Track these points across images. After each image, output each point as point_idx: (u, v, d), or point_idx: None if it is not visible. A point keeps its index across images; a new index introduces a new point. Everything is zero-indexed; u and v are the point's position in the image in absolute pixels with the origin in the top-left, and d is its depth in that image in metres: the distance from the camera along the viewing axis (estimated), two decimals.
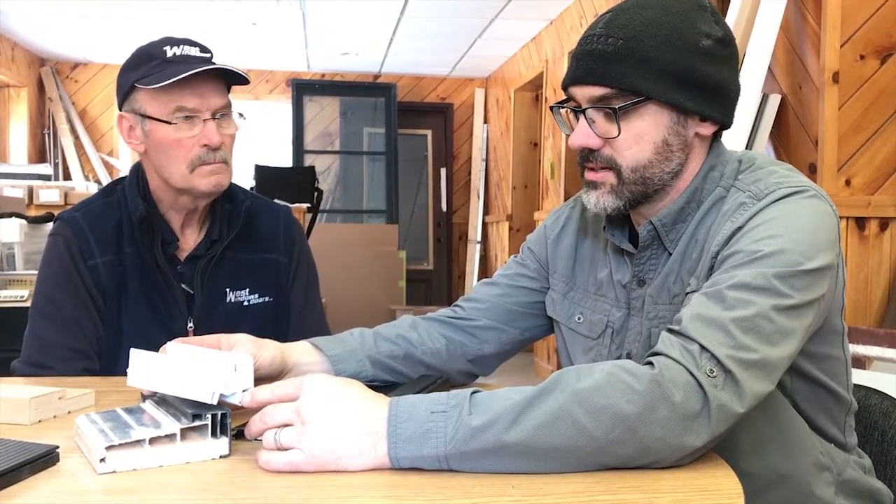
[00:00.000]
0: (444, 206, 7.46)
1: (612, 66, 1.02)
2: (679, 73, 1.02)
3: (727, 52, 1.05)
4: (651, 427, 0.83)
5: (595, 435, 0.82)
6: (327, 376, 0.92)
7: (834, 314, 1.05)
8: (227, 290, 1.52)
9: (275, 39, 5.98)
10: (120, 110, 1.49)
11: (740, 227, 0.97)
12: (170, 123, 1.41)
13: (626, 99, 1.02)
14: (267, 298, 1.56)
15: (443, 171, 7.45)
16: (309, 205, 4.84)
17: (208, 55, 1.45)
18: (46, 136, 6.69)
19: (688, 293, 1.01)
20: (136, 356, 0.95)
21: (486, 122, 7.26)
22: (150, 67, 1.41)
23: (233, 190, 1.55)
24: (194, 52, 1.43)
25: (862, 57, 2.63)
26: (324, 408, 0.84)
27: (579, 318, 1.20)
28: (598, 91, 1.03)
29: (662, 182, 1.07)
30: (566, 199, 4.92)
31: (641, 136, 1.04)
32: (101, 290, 1.46)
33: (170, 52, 1.41)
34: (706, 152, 1.10)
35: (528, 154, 6.30)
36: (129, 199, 1.49)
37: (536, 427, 0.82)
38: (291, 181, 5.26)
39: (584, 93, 1.05)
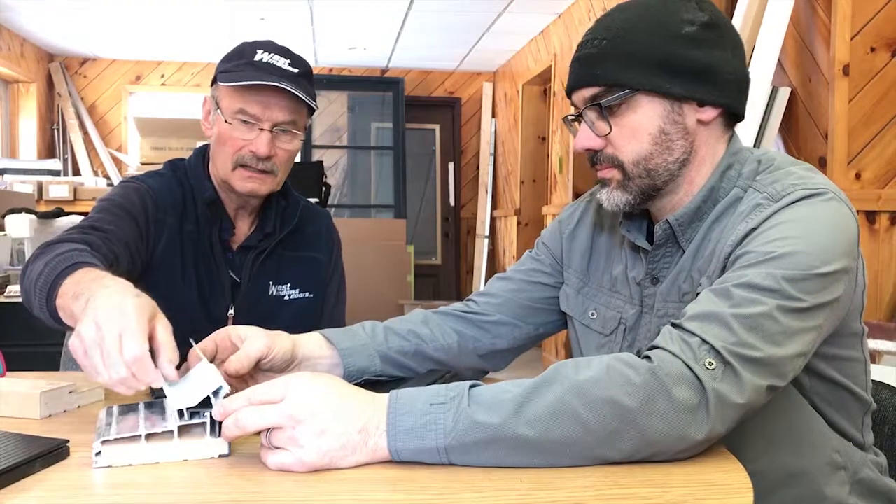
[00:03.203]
0: (452, 201, 7.45)
1: (598, 65, 1.05)
2: (664, 62, 1.03)
3: (716, 36, 1.05)
4: (650, 419, 0.83)
5: (594, 428, 0.83)
6: (309, 375, 0.88)
7: (853, 317, 1.04)
8: (271, 283, 1.56)
9: (283, 34, 5.98)
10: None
11: (754, 228, 0.97)
12: (228, 122, 1.44)
13: (614, 94, 1.04)
14: (307, 294, 1.60)
15: (451, 166, 7.44)
16: (317, 200, 4.85)
17: (296, 71, 1.45)
18: (56, 131, 6.71)
19: (699, 293, 1.00)
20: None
21: (494, 116, 7.24)
22: (236, 64, 1.45)
23: (290, 190, 1.61)
24: (282, 63, 1.44)
25: (872, 49, 2.62)
26: (311, 408, 0.83)
27: (593, 314, 1.19)
28: (588, 92, 1.07)
29: (669, 173, 1.07)
30: (574, 193, 4.93)
31: (637, 128, 1.05)
32: (156, 245, 1.46)
33: (259, 55, 1.44)
34: (721, 145, 1.09)
35: (536, 148, 6.29)
36: (195, 180, 1.53)
37: (536, 420, 0.83)
38: (300, 176, 5.26)
39: (579, 97, 1.09)
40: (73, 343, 0.90)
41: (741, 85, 1.08)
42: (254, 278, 1.54)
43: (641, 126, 1.05)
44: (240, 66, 1.44)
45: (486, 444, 0.83)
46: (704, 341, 0.87)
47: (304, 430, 0.82)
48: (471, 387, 0.86)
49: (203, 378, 0.91)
